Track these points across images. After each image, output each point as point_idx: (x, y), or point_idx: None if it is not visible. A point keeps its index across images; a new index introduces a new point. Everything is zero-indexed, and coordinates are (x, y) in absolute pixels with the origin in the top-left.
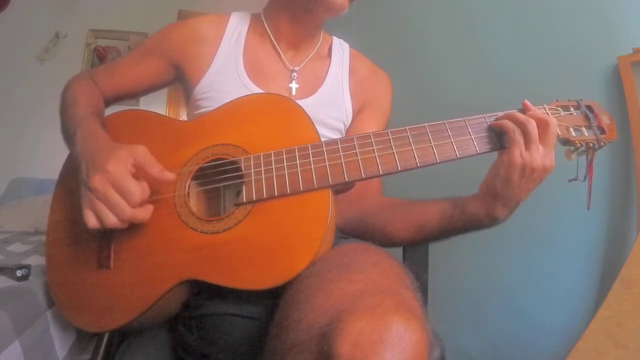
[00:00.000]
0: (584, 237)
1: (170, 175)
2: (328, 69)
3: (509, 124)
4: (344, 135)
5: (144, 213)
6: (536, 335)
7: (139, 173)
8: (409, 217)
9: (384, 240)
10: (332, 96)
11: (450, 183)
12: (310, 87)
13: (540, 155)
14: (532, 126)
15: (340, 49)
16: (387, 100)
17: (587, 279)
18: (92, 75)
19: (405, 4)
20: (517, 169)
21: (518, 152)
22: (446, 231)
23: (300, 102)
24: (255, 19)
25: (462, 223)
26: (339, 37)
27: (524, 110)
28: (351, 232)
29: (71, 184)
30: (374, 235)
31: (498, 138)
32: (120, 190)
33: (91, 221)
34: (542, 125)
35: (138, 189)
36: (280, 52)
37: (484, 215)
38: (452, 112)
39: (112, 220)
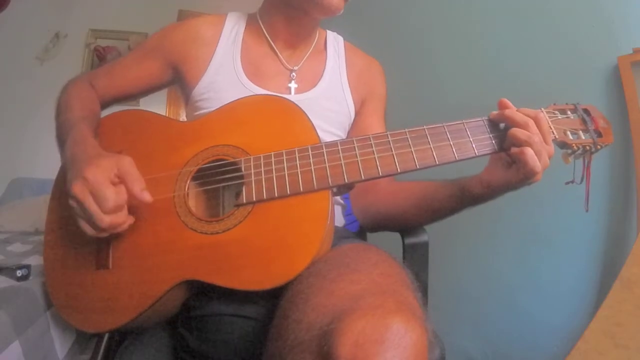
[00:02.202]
0: (583, 237)
1: (148, 198)
2: (325, 64)
3: (524, 126)
4: (347, 132)
5: (121, 218)
6: (536, 335)
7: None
8: (423, 203)
9: (404, 226)
10: (331, 91)
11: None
12: (309, 83)
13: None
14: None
15: (335, 43)
16: (383, 88)
17: (587, 279)
18: (90, 78)
19: (405, 3)
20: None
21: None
22: (457, 210)
23: (299, 96)
24: (251, 19)
25: (472, 202)
26: (337, 36)
27: (501, 108)
28: (370, 222)
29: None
30: (395, 223)
31: (497, 141)
32: (95, 197)
33: (86, 229)
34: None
35: (112, 195)
36: (278, 52)
37: (490, 197)
38: (452, 112)
39: (88, 230)
